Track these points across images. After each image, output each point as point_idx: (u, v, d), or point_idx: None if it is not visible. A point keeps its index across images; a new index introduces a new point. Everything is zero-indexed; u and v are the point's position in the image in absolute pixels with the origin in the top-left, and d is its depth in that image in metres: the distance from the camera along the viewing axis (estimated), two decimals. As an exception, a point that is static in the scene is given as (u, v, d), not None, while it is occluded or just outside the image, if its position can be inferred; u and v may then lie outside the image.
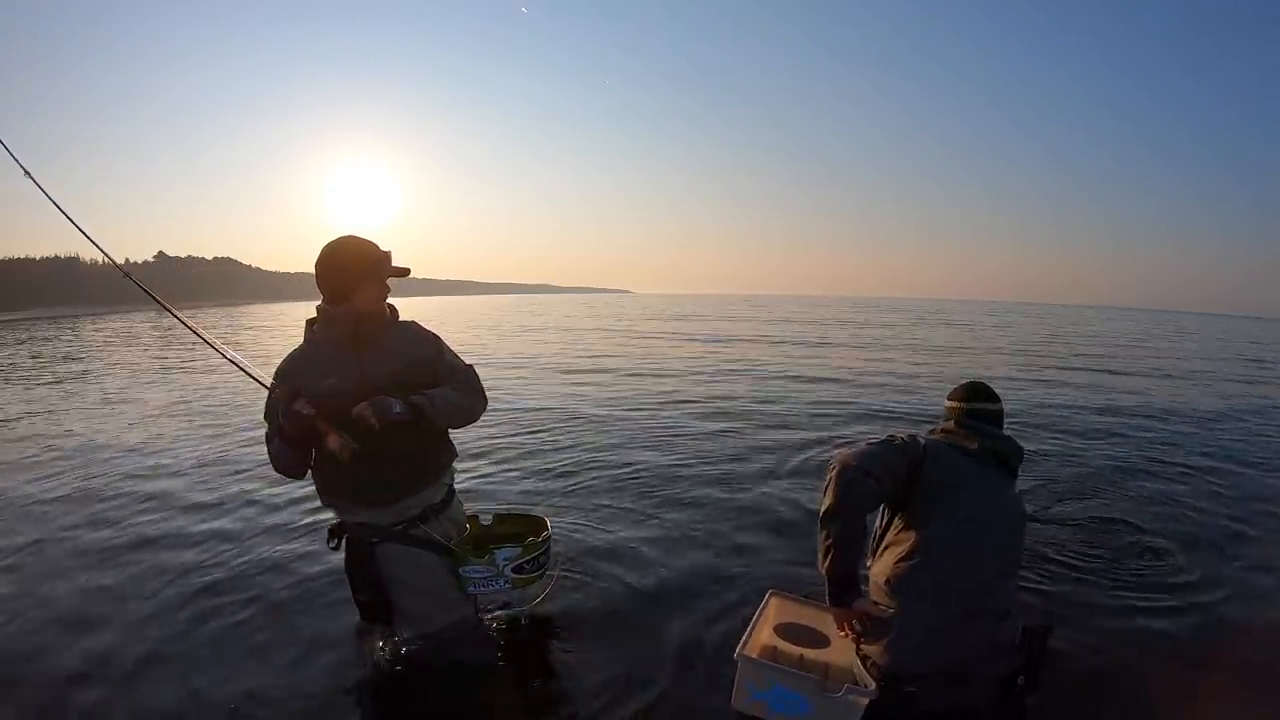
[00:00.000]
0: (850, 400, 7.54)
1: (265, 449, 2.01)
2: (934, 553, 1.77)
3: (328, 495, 2.07)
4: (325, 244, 1.99)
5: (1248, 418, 7.03)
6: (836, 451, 1.82)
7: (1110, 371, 11.40)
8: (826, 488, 1.77)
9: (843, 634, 1.83)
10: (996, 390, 2.04)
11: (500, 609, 2.48)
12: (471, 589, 2.12)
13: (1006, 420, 2.03)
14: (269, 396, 1.98)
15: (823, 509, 1.76)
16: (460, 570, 2.09)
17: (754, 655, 1.72)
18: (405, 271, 2.07)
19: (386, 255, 2.02)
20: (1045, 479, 4.30)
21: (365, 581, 2.07)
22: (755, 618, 1.90)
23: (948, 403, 2.04)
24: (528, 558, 2.13)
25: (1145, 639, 2.42)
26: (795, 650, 1.91)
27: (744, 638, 1.79)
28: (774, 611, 1.93)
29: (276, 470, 2.03)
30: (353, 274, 1.96)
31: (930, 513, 1.80)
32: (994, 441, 1.91)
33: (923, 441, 1.87)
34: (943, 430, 1.98)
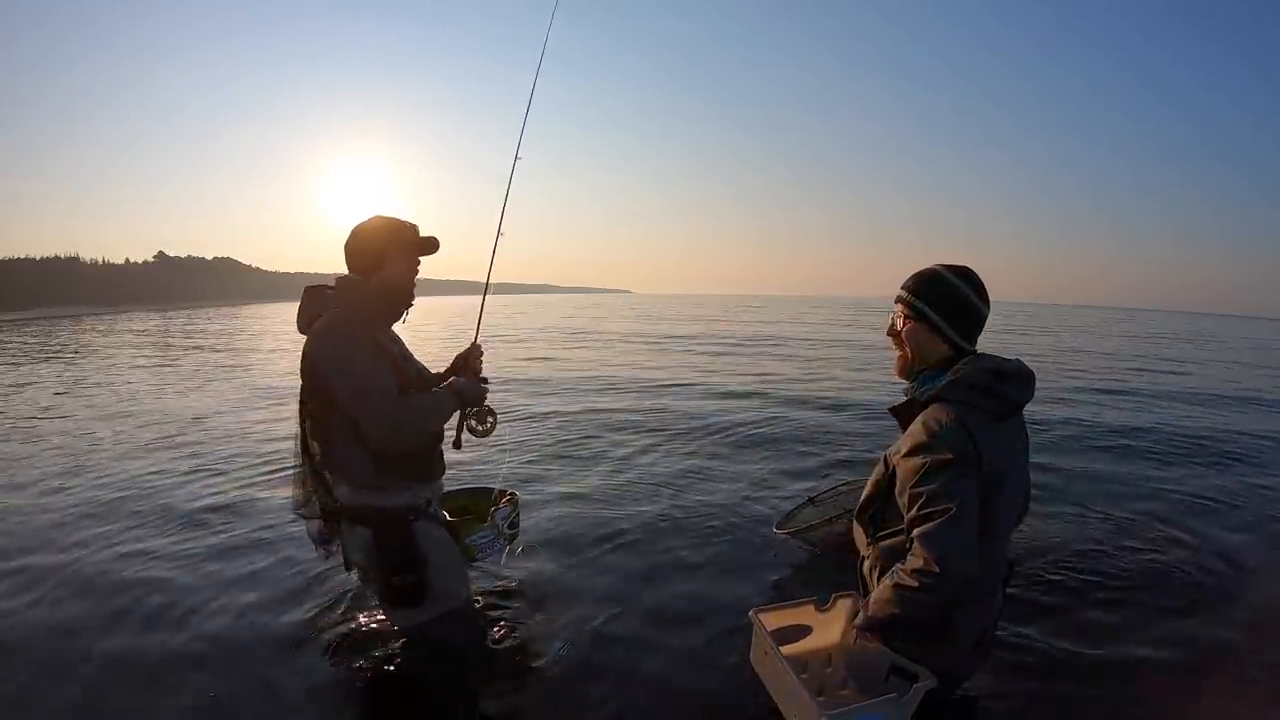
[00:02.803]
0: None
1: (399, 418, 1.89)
2: (984, 557, 1.63)
3: (389, 476, 2.00)
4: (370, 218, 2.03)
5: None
6: (926, 549, 1.55)
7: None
8: (925, 592, 1.55)
9: (870, 641, 1.75)
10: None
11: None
12: (479, 555, 2.29)
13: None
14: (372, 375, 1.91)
15: (922, 607, 1.59)
16: (468, 539, 2.24)
17: (832, 711, 1.57)
18: (434, 243, 2.06)
19: (413, 227, 2.02)
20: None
21: (412, 560, 2.01)
22: (774, 656, 1.77)
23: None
24: (515, 514, 2.41)
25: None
26: (797, 650, 1.92)
27: (800, 692, 1.62)
28: (768, 628, 1.88)
29: (409, 435, 1.93)
30: (377, 246, 1.97)
31: (984, 519, 1.61)
32: (1017, 390, 1.66)
33: (973, 438, 1.57)
34: (953, 384, 1.64)
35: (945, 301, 1.69)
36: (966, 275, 1.72)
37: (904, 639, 1.71)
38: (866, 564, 1.87)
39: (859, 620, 1.76)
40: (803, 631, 1.94)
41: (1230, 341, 23.50)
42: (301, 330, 2.00)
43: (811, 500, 3.51)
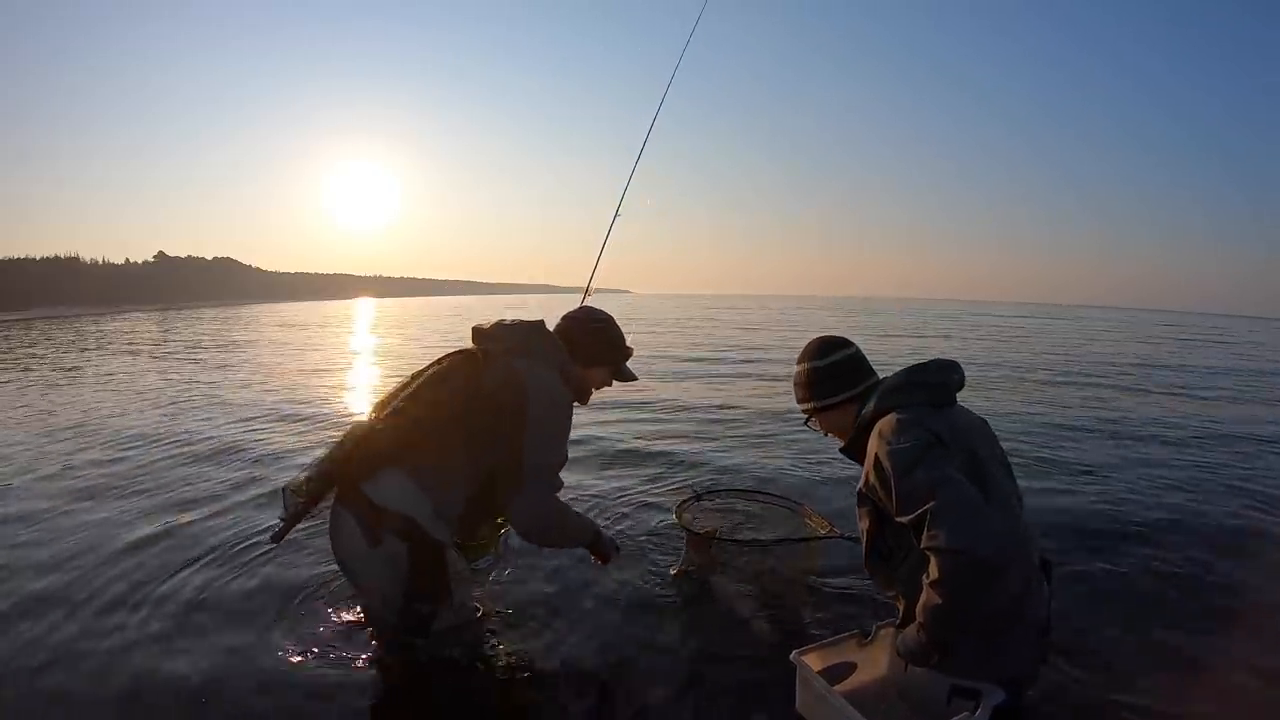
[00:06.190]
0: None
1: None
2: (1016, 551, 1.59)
3: (466, 522, 2.05)
4: (602, 313, 2.20)
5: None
6: (940, 546, 1.44)
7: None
8: (964, 592, 1.43)
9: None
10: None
11: None
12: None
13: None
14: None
15: (968, 605, 1.46)
16: (474, 564, 2.44)
17: None
18: (631, 378, 2.27)
19: (629, 354, 2.25)
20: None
21: (439, 590, 1.98)
22: (831, 698, 1.65)
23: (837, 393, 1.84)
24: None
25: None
26: (845, 689, 1.78)
27: None
28: (815, 669, 1.77)
29: (541, 523, 2.00)
30: (596, 354, 2.14)
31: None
32: (940, 373, 1.75)
33: (922, 422, 1.61)
34: (881, 396, 1.73)
35: (818, 384, 1.87)
36: (811, 351, 1.90)
37: (961, 653, 1.57)
38: (897, 597, 1.75)
39: (903, 647, 1.64)
40: (848, 669, 1.82)
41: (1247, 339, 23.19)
42: (497, 349, 1.99)
43: (698, 496, 3.01)
